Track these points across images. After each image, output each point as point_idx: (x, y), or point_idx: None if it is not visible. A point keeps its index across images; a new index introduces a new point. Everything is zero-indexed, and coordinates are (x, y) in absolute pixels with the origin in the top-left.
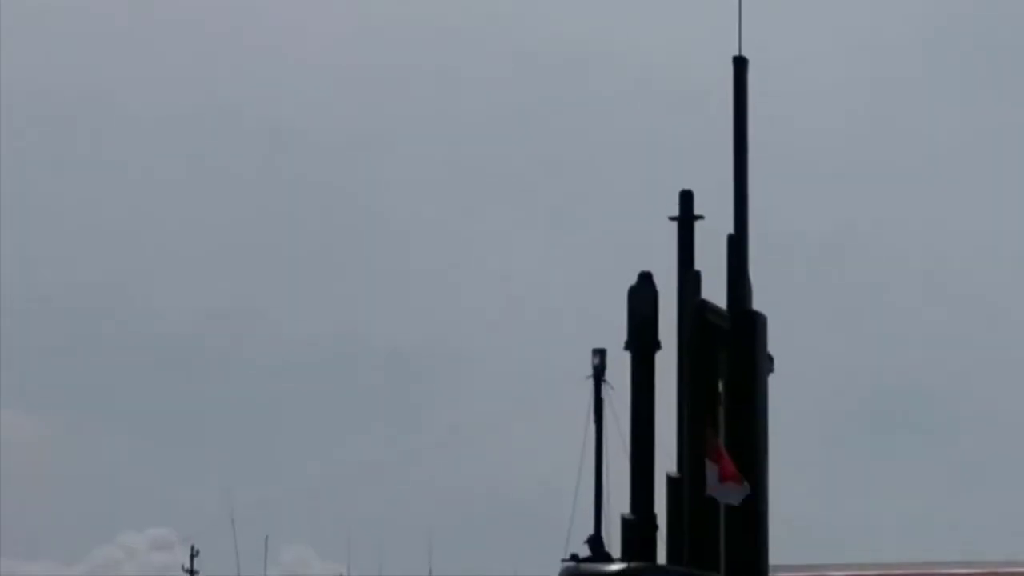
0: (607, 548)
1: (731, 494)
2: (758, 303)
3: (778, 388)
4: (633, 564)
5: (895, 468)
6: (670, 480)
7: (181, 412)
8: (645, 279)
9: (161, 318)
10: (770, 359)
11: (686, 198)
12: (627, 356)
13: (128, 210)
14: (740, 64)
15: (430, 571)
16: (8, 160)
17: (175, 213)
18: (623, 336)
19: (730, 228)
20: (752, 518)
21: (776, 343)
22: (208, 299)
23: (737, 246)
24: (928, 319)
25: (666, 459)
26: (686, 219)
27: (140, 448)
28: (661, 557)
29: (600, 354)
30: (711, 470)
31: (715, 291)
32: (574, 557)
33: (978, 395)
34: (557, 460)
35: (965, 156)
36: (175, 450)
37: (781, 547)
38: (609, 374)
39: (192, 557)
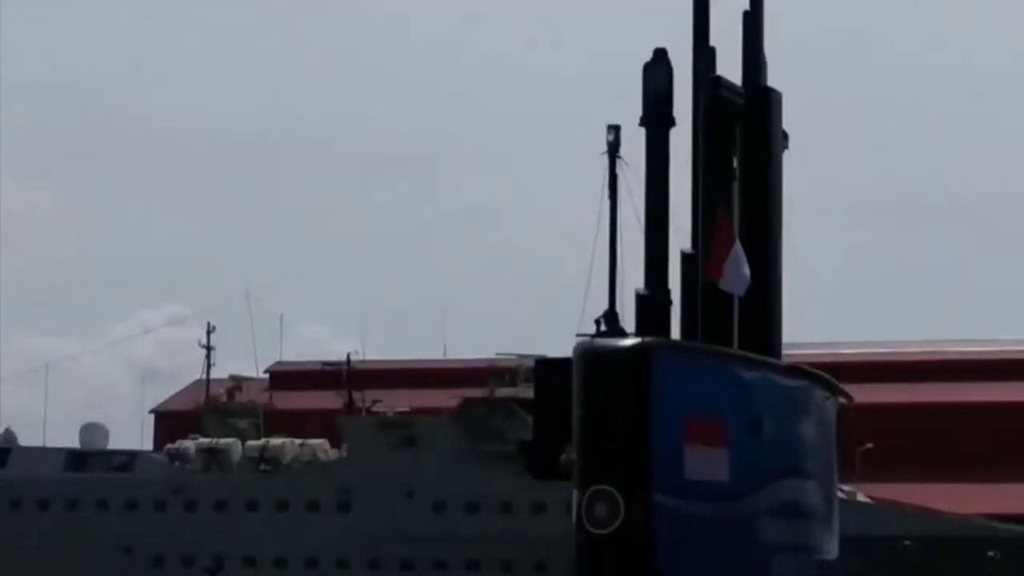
0: (621, 324)
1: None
2: (772, 81)
3: (792, 166)
4: (647, 339)
5: (908, 249)
6: (684, 256)
7: (198, 193)
8: (660, 55)
9: (179, 103)
10: (785, 136)
11: None
12: (642, 133)
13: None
14: None
15: (444, 349)
16: None
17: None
18: (638, 113)
19: (745, 5)
20: (765, 294)
21: (791, 121)
22: (228, 83)
23: (752, 23)
24: (942, 108)
25: (680, 236)
26: None
27: (157, 227)
28: (675, 333)
29: (615, 130)
30: (716, 258)
31: (730, 70)
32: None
33: (989, 184)
34: (572, 237)
35: None
36: (192, 229)
37: (794, 323)
38: (624, 151)
39: (208, 333)
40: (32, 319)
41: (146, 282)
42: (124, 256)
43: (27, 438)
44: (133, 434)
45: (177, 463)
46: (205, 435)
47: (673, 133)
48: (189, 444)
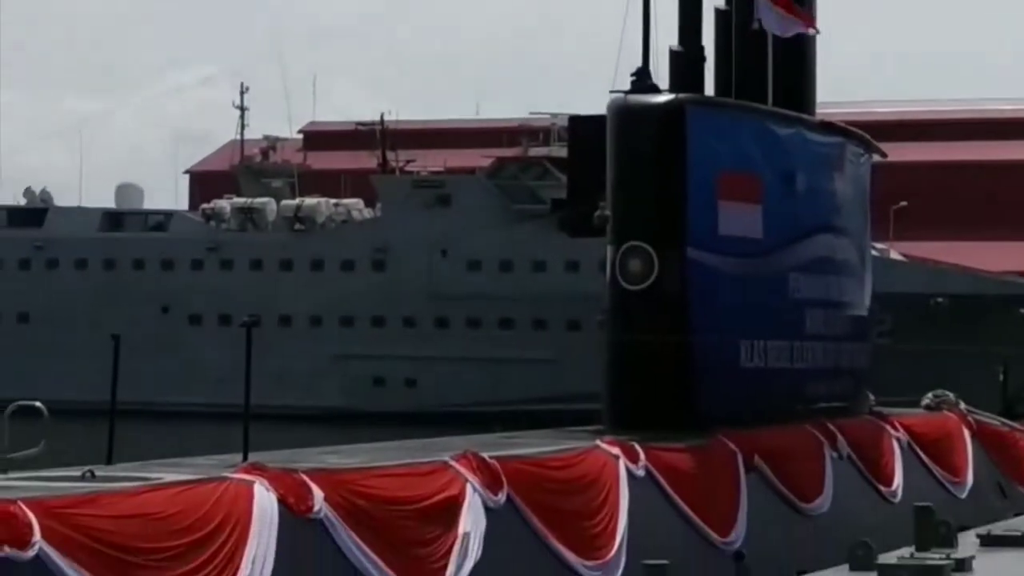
0: (655, 80)
1: (785, 24)
2: None
3: None
4: (681, 95)
5: (944, 5)
6: (718, 12)
7: None
8: None
9: None
10: None
11: None
12: None
13: None
14: None
15: (477, 108)
16: None
17: None
18: None
19: None
20: (800, 50)
21: None
22: None
23: None
24: None
25: None
26: None
27: None
28: (709, 89)
29: None
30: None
31: None
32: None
33: None
34: None
35: None
36: None
37: (828, 81)
38: None
39: (242, 94)
40: (65, 81)
41: (177, 42)
42: (153, 15)
43: (62, 199)
44: (168, 194)
45: (212, 222)
46: (240, 195)
47: None
48: (224, 204)
